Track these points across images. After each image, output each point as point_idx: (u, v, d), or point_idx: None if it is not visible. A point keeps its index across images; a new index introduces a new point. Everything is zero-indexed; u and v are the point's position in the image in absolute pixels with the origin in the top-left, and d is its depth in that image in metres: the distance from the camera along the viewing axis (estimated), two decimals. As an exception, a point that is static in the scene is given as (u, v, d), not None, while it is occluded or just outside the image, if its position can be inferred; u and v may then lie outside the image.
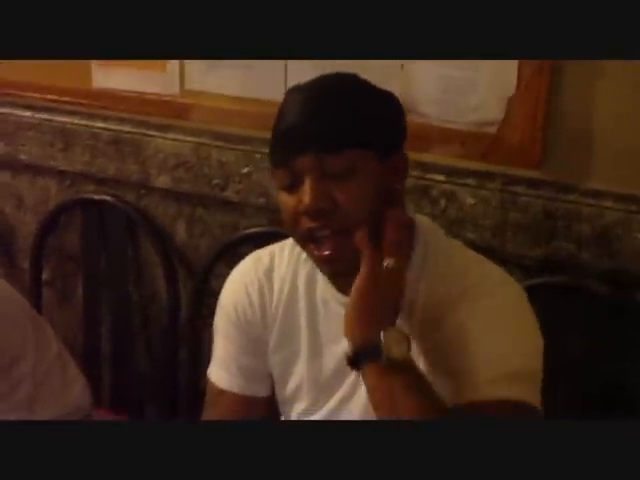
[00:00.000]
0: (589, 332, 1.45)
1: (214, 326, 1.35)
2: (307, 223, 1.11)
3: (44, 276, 2.14)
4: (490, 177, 1.51)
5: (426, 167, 1.55)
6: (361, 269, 1.10)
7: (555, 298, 1.44)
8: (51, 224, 2.08)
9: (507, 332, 1.11)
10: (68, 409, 1.64)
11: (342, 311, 1.12)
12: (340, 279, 1.18)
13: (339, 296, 1.20)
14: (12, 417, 1.50)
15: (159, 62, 1.83)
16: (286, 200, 1.13)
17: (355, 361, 1.08)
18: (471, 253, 1.23)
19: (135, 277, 2.03)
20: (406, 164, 1.18)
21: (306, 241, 1.14)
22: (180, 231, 1.93)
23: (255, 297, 1.29)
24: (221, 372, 1.32)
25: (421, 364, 1.14)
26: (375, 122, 1.12)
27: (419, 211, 1.50)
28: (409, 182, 1.47)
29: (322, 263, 1.15)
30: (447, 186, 1.54)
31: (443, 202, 1.54)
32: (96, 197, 2.00)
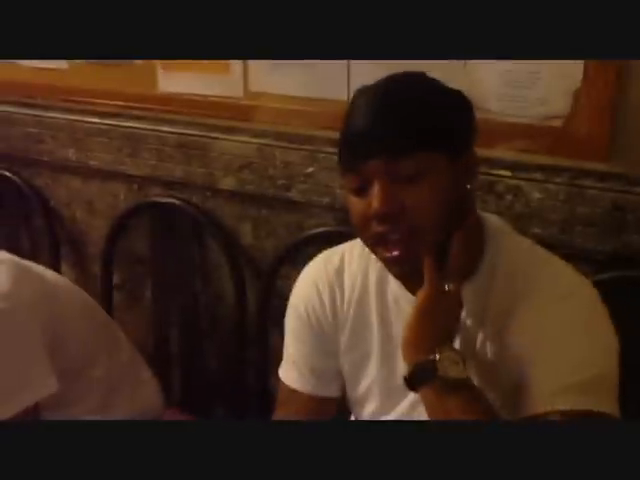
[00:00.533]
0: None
1: (285, 326, 1.36)
2: (376, 227, 1.10)
3: (114, 280, 2.17)
4: (557, 171, 1.48)
5: (492, 162, 1.53)
6: (420, 292, 1.11)
7: (626, 292, 1.41)
8: (120, 228, 2.12)
9: (577, 339, 1.08)
10: (140, 411, 1.67)
11: None
12: (410, 280, 1.17)
13: (410, 297, 1.19)
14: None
15: (223, 65, 1.84)
16: (355, 204, 1.12)
17: (412, 383, 1.09)
18: (542, 253, 1.21)
19: (202, 278, 2.05)
20: (476, 163, 1.16)
21: (375, 244, 1.13)
22: (246, 232, 1.94)
23: (326, 296, 1.29)
24: (292, 372, 1.33)
25: (486, 374, 1.15)
26: (445, 123, 1.09)
27: (485, 207, 1.50)
28: (474, 178, 1.47)
29: (390, 264, 1.15)
30: (513, 181, 1.52)
31: (509, 197, 1.52)
32: (163, 200, 2.03)
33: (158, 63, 1.95)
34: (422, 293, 1.11)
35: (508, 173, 1.52)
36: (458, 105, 1.14)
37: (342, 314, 1.29)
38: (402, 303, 1.22)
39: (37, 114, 2.18)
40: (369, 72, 1.52)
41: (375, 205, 1.07)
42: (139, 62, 1.98)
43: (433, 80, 1.13)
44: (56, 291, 1.54)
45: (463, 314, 1.16)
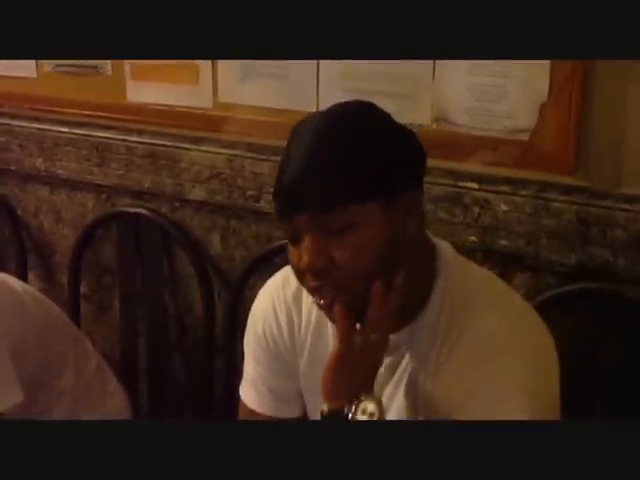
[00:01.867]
0: (625, 338, 1.43)
1: (244, 344, 1.34)
2: (309, 279, 1.07)
3: (82, 290, 2.16)
4: (523, 184, 1.50)
5: (459, 175, 1.54)
6: (335, 342, 1.10)
7: (590, 305, 1.42)
8: (88, 238, 2.11)
9: (518, 394, 1.05)
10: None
11: None
12: None
13: None
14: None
15: (192, 76, 1.85)
16: (292, 253, 1.09)
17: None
18: (498, 290, 1.17)
19: (171, 289, 2.04)
20: (419, 202, 1.10)
21: (312, 292, 1.10)
22: (215, 242, 1.94)
23: (283, 320, 1.27)
24: (251, 392, 1.32)
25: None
26: (382, 170, 1.03)
27: (452, 219, 1.51)
28: (442, 190, 1.49)
29: (323, 311, 1.12)
30: (480, 193, 1.53)
31: (476, 210, 1.53)
32: (131, 210, 2.02)
33: (127, 73, 1.95)
34: (335, 345, 1.09)
35: (475, 185, 1.53)
36: (400, 145, 1.08)
37: (300, 338, 1.27)
38: None
39: (5, 122, 2.16)
40: (338, 85, 1.54)
41: (304, 260, 1.05)
42: (108, 72, 1.98)
43: (379, 118, 1.09)
44: (23, 301, 1.53)
45: (409, 354, 1.15)
